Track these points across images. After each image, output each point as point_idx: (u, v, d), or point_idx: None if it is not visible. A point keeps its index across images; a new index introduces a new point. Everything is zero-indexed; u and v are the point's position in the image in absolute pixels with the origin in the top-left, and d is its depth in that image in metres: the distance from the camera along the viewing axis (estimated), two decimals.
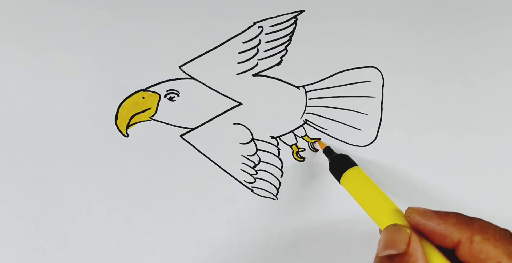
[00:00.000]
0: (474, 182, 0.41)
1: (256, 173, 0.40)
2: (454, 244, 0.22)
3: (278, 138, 0.40)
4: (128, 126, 0.39)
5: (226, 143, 0.39)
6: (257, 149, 0.40)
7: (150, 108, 0.39)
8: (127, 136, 0.39)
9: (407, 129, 0.41)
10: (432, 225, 0.23)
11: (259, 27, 0.41)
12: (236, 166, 0.39)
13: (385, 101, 0.41)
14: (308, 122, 0.40)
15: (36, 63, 0.39)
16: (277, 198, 0.39)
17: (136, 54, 0.40)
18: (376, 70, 0.41)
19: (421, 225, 0.23)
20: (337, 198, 0.40)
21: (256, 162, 0.40)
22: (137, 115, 0.39)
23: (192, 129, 0.39)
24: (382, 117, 0.41)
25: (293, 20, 0.41)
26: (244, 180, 0.39)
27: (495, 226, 0.22)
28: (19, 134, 0.38)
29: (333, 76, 0.41)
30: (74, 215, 0.38)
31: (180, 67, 0.40)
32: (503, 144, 0.41)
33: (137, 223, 0.38)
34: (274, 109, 0.40)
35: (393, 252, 0.22)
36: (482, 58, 0.42)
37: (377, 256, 0.23)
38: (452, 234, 0.22)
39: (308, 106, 0.40)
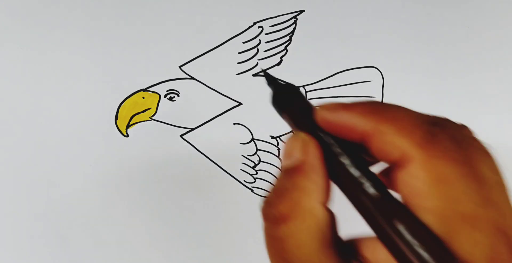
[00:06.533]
0: None
1: (256, 173, 0.40)
2: (360, 137, 0.19)
3: (278, 138, 0.40)
4: (128, 126, 0.39)
5: (226, 143, 0.39)
6: (257, 149, 0.40)
7: (150, 108, 0.39)
8: (127, 136, 0.39)
9: None
10: (338, 118, 0.20)
11: (259, 27, 0.41)
12: (236, 166, 0.39)
13: (385, 101, 0.41)
14: None
15: (36, 63, 0.39)
16: None
17: (136, 54, 0.40)
18: (376, 70, 0.41)
19: (330, 122, 0.20)
20: (337, 198, 0.40)
21: (256, 162, 0.40)
22: (137, 115, 0.39)
23: (192, 129, 0.39)
24: None
25: (293, 20, 0.41)
26: (244, 180, 0.39)
27: (411, 113, 0.19)
28: (19, 134, 0.38)
29: (333, 76, 0.41)
30: (73, 215, 0.38)
31: (180, 67, 0.40)
32: (503, 144, 0.41)
33: (137, 223, 0.38)
34: (274, 109, 0.40)
35: (290, 163, 0.20)
36: (482, 58, 0.42)
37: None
38: (357, 124, 0.19)
39: None
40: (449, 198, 0.17)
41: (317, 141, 0.20)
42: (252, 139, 0.39)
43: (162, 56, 0.40)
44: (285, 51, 0.41)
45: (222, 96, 0.40)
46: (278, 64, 0.41)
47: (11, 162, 0.38)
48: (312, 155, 0.20)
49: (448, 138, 0.18)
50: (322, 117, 0.21)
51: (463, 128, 0.20)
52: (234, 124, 0.39)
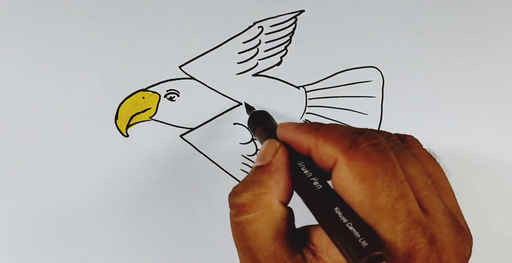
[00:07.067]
0: (474, 183, 0.41)
1: None
2: (307, 151, 0.23)
3: None
4: (128, 126, 0.39)
5: (226, 143, 0.39)
6: (257, 149, 0.40)
7: (150, 108, 0.39)
8: (127, 136, 0.39)
9: (407, 129, 0.41)
10: (291, 136, 0.24)
11: (259, 27, 0.41)
12: (236, 166, 0.39)
13: (385, 101, 0.41)
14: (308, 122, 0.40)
15: (36, 63, 0.39)
16: None
17: (136, 54, 0.40)
18: (376, 70, 0.41)
19: (286, 138, 0.24)
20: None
21: None
22: (137, 115, 0.39)
23: (192, 129, 0.39)
24: (382, 117, 0.41)
25: (293, 20, 0.41)
26: None
27: (342, 127, 0.22)
28: (19, 134, 0.38)
29: (333, 76, 0.41)
30: (73, 215, 0.38)
31: (180, 67, 0.40)
32: (503, 145, 0.41)
33: (137, 223, 0.38)
34: (274, 109, 0.40)
35: (261, 163, 0.24)
36: (482, 58, 0.42)
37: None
38: (303, 141, 0.23)
39: (308, 106, 0.40)
40: (369, 194, 0.19)
41: (286, 150, 0.24)
42: (252, 139, 0.39)
43: (162, 56, 0.40)
44: (285, 51, 0.41)
45: (222, 96, 0.40)
46: (278, 64, 0.41)
47: (11, 162, 0.38)
48: (280, 160, 0.24)
49: (371, 145, 0.20)
50: (279, 134, 0.25)
51: (400, 138, 0.24)
52: (234, 124, 0.39)
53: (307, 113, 0.40)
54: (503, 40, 0.42)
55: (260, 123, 0.32)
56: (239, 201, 0.23)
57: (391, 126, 0.41)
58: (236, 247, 0.24)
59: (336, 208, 0.20)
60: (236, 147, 0.39)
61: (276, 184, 0.23)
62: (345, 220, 0.19)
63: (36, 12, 0.40)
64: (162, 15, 0.41)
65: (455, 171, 0.41)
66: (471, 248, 0.22)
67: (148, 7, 0.41)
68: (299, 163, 0.23)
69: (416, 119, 0.41)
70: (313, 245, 0.22)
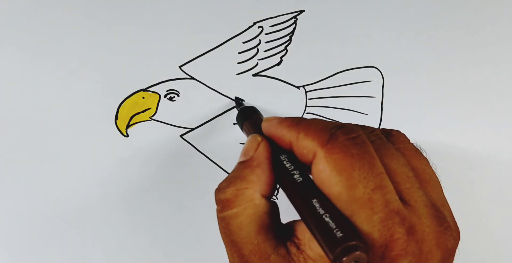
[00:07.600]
0: (473, 183, 0.41)
1: None
2: (289, 146, 0.23)
3: None
4: (128, 126, 0.39)
5: (226, 143, 0.39)
6: None
7: (150, 108, 0.39)
8: (127, 136, 0.39)
9: (407, 129, 0.41)
10: (274, 130, 0.24)
11: (259, 27, 0.41)
12: None
13: (385, 101, 0.41)
14: None
15: (36, 63, 0.39)
16: (277, 198, 0.39)
17: (136, 54, 0.40)
18: (376, 70, 0.41)
19: (270, 133, 0.25)
20: None
21: None
22: (137, 115, 0.39)
23: (192, 129, 0.39)
24: (382, 117, 0.41)
25: (293, 20, 0.41)
26: None
27: (322, 122, 0.22)
28: (19, 134, 0.38)
29: (333, 76, 0.41)
30: (73, 215, 0.38)
31: (180, 67, 0.40)
32: (503, 145, 0.41)
33: (137, 223, 0.38)
34: (274, 109, 0.40)
35: (243, 159, 0.24)
36: (482, 58, 0.42)
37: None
38: (285, 135, 0.23)
39: (308, 106, 0.40)
40: (346, 185, 0.20)
41: (268, 144, 0.25)
42: None
43: (162, 56, 0.40)
44: (285, 51, 0.41)
45: (222, 96, 0.40)
46: (278, 64, 0.41)
47: (11, 162, 0.38)
48: (261, 155, 0.24)
49: (349, 138, 0.21)
50: (264, 129, 0.25)
51: (385, 133, 0.25)
52: (234, 124, 0.39)
53: (307, 113, 0.40)
54: (503, 40, 0.42)
55: (248, 118, 0.33)
56: (223, 197, 0.24)
57: (391, 126, 0.41)
58: (223, 242, 0.24)
59: (314, 200, 0.20)
60: (236, 147, 0.39)
61: (258, 178, 0.23)
62: (322, 212, 0.20)
63: (36, 12, 0.40)
64: (162, 15, 0.41)
65: (454, 171, 0.41)
66: (456, 240, 0.22)
67: (148, 7, 0.41)
68: (282, 157, 0.24)
69: (416, 119, 0.41)
70: (297, 238, 0.22)
